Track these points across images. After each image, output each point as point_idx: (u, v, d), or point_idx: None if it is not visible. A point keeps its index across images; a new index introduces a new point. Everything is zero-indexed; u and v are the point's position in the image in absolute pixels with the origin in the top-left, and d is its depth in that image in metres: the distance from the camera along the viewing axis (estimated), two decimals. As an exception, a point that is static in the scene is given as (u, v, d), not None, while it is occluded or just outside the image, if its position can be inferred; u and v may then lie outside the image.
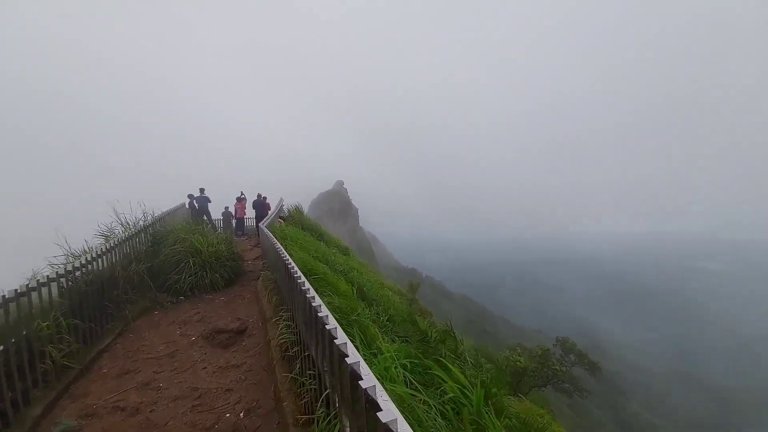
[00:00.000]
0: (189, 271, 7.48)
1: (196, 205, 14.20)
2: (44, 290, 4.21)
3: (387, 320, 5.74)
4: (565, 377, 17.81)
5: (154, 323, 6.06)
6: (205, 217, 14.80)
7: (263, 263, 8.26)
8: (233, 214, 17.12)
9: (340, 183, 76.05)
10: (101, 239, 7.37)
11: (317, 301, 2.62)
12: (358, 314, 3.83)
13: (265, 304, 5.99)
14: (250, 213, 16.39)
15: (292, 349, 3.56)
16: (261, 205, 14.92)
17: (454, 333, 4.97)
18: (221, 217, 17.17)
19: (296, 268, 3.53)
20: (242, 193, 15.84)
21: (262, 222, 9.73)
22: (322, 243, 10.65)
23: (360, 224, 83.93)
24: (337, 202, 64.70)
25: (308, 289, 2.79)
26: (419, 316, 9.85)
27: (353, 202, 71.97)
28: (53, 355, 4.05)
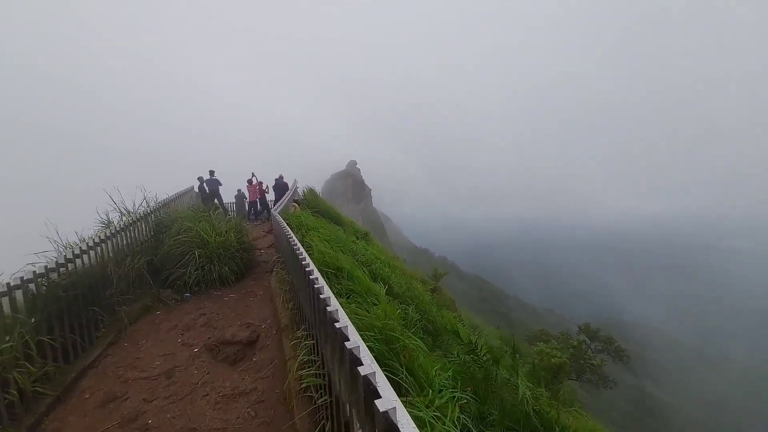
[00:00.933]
0: (195, 264, 6.67)
1: (207, 188, 13.41)
2: (5, 300, 3.39)
3: (425, 328, 4.81)
4: (597, 369, 16.93)
5: (155, 326, 5.28)
6: (216, 201, 14.04)
7: (277, 258, 7.37)
8: (246, 196, 16.35)
9: (353, 163, 74.73)
10: (101, 229, 6.61)
11: (353, 339, 1.68)
12: (399, 339, 2.85)
13: (280, 307, 5.12)
14: (263, 196, 15.59)
15: (316, 391, 2.64)
16: (281, 188, 14.01)
17: (513, 345, 4.00)
18: (233, 201, 16.40)
19: (321, 282, 2.56)
20: (253, 175, 14.94)
21: (274, 207, 8.80)
22: (340, 230, 9.70)
23: (373, 204, 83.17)
24: (351, 182, 63.69)
25: (341, 323, 1.82)
26: (445, 308, 8.96)
27: (366, 183, 70.93)
28: (20, 381, 3.27)
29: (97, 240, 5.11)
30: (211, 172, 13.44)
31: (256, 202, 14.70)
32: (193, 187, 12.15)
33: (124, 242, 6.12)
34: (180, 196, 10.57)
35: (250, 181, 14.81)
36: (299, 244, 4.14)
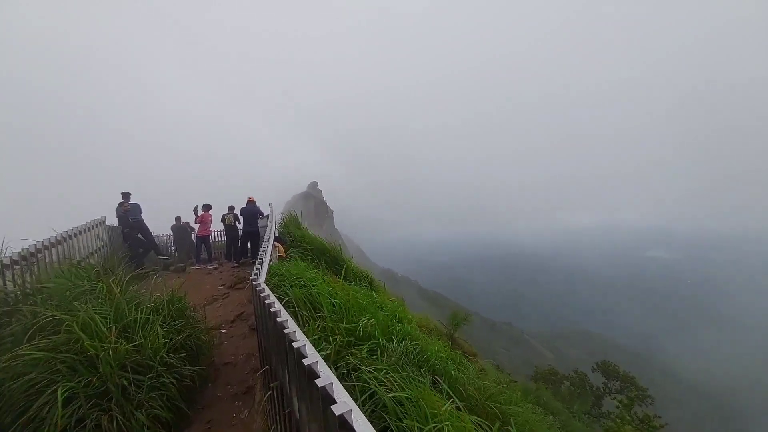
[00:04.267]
0: (57, 417, 2.71)
1: (129, 219, 9.04)
2: None
3: None
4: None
5: None
6: (139, 237, 9.64)
7: (263, 368, 3.54)
8: (192, 229, 11.98)
9: (314, 184, 70.42)
10: None
11: None
12: None
13: None
14: (217, 226, 11.35)
15: None
16: (251, 215, 10.00)
17: None
18: (171, 233, 11.92)
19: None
20: (199, 209, 10.64)
21: (260, 250, 5.02)
22: (357, 288, 6.11)
23: (335, 226, 78.91)
24: (313, 203, 59.24)
25: None
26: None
27: (328, 204, 66.71)
28: None
29: None
30: (127, 195, 9.14)
31: (208, 237, 10.43)
32: (103, 219, 7.72)
33: None
34: (80, 233, 6.29)
35: (198, 212, 10.56)
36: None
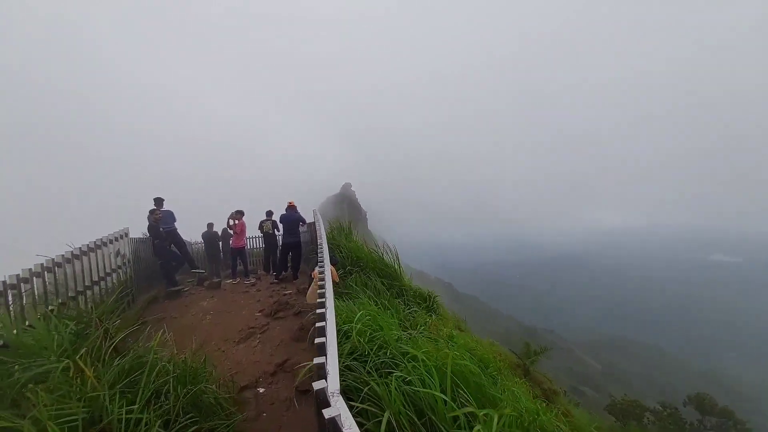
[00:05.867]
0: None
1: (162, 228, 7.97)
2: None
3: None
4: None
5: None
6: (172, 248, 8.59)
7: None
8: (220, 237, 10.91)
9: (348, 186, 69.75)
10: None
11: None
12: None
13: None
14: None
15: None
16: (292, 223, 8.71)
17: None
18: (201, 242, 10.88)
19: None
20: (235, 215, 9.43)
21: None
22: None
23: (368, 228, 77.87)
24: (346, 206, 58.45)
25: None
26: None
27: (362, 206, 65.72)
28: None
29: None
30: (160, 201, 8.08)
31: (244, 249, 9.21)
32: (125, 231, 6.58)
33: None
34: (91, 251, 5.15)
35: (231, 223, 9.37)
36: None
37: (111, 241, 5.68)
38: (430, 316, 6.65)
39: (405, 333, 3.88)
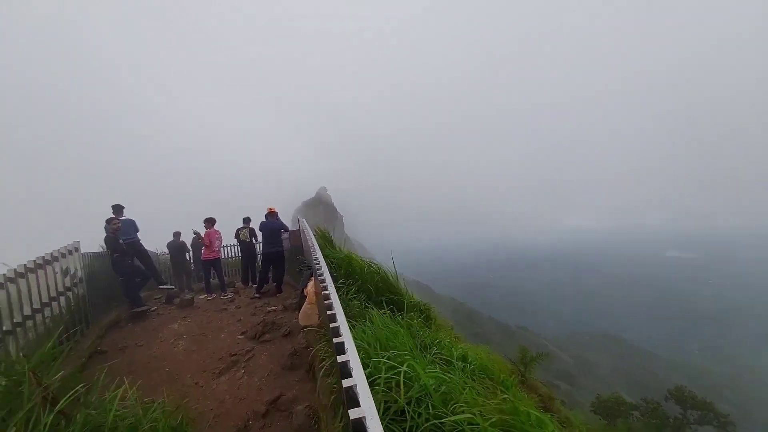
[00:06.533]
0: None
1: (121, 240, 6.94)
2: None
3: None
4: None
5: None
6: (134, 262, 7.60)
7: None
8: (190, 246, 9.93)
9: (323, 190, 68.44)
10: None
11: None
12: None
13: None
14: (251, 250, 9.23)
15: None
16: (273, 232, 7.89)
17: None
18: (166, 251, 9.83)
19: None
20: (208, 224, 8.48)
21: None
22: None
23: (345, 231, 76.83)
24: (322, 209, 57.18)
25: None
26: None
27: (338, 209, 64.58)
28: None
29: None
30: (119, 208, 7.12)
31: (218, 260, 8.27)
32: (75, 246, 5.55)
33: None
34: (40, 267, 4.22)
35: (207, 224, 8.41)
36: None
37: (56, 258, 4.71)
38: (429, 326, 6.13)
39: (434, 370, 3.29)
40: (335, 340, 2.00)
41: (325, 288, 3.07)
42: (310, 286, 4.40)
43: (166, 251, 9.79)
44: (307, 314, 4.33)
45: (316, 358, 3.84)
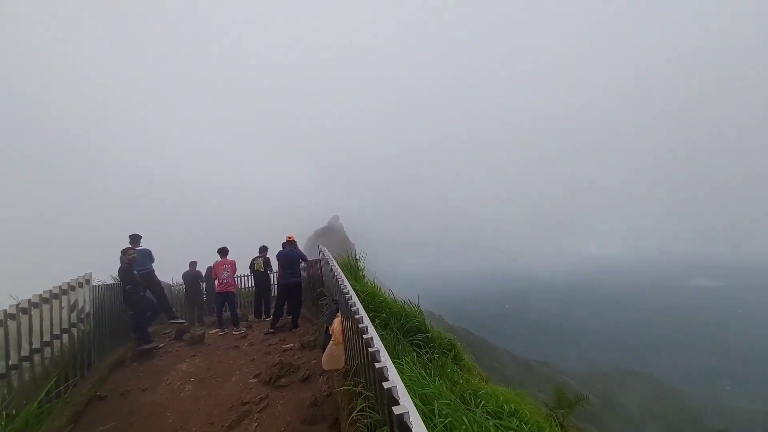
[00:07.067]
0: None
1: (135, 271, 6.67)
2: None
3: None
4: None
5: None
6: (147, 294, 7.30)
7: None
8: (204, 277, 9.60)
9: (336, 218, 68.65)
10: None
11: None
12: None
13: None
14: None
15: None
16: (292, 261, 7.53)
17: None
18: (182, 282, 9.52)
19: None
20: (221, 253, 8.19)
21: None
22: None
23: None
24: (335, 239, 57.03)
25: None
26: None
27: (350, 239, 64.23)
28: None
29: None
30: (136, 238, 6.91)
31: (233, 294, 7.90)
32: (87, 278, 5.27)
33: None
34: (46, 301, 3.92)
35: (222, 254, 8.11)
36: None
37: (65, 292, 4.41)
38: (458, 368, 5.52)
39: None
40: (385, 385, 1.55)
41: (358, 326, 2.62)
42: (336, 324, 3.93)
43: (181, 281, 9.49)
44: (333, 356, 3.83)
45: (343, 409, 3.32)
